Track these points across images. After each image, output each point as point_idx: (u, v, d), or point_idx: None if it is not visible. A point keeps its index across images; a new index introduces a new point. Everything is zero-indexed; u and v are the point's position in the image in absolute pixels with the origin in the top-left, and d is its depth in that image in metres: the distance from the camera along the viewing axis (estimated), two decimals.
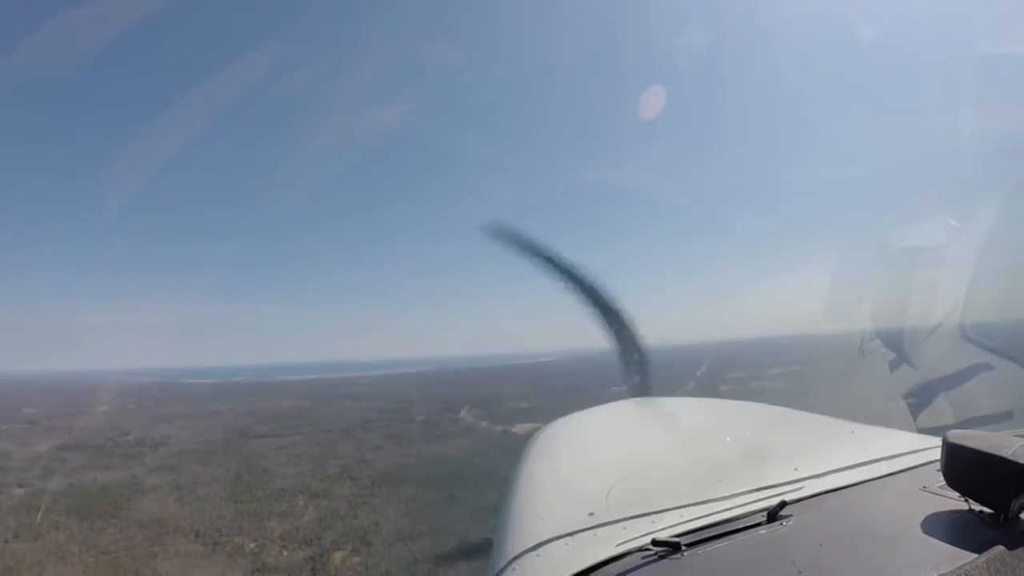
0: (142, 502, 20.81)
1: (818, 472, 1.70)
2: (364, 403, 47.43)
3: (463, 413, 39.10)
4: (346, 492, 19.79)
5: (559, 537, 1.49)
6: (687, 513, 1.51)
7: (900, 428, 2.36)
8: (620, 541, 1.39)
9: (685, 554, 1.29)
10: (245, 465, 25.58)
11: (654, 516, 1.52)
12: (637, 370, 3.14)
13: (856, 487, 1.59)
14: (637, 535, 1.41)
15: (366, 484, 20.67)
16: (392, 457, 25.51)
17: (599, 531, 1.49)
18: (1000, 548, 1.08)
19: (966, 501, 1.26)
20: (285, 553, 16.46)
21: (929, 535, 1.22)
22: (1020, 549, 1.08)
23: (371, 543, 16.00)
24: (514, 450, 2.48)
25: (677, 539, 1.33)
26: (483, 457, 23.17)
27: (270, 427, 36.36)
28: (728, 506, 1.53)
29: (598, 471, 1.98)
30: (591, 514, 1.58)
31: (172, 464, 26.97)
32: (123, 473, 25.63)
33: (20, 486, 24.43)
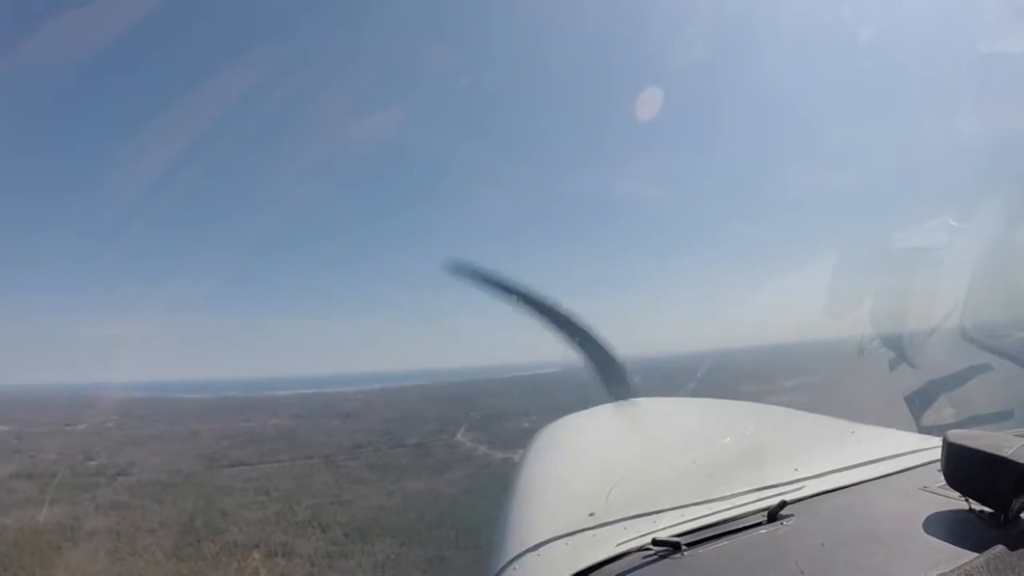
0: (70, 554, 17.38)
1: (818, 472, 1.67)
2: (354, 423, 44.03)
3: (459, 435, 35.72)
4: (311, 548, 16.15)
5: (559, 537, 1.50)
6: (687, 513, 1.50)
7: (900, 428, 2.27)
8: (620, 541, 1.39)
9: (685, 554, 1.28)
10: (204, 504, 22.10)
11: (654, 516, 1.51)
12: (614, 377, 2.73)
13: (856, 487, 1.57)
14: (637, 535, 1.41)
15: (338, 536, 17.05)
16: (374, 496, 21.97)
17: (599, 531, 1.49)
18: (1000, 548, 1.06)
19: (966, 501, 1.23)
20: None
21: (929, 535, 1.19)
22: (1021, 549, 1.06)
23: None
24: None
25: (677, 539, 1.32)
26: (481, 496, 19.68)
27: (246, 453, 32.93)
28: (728, 506, 1.52)
29: (598, 471, 1.97)
30: (591, 514, 1.58)
31: (124, 500, 23.51)
32: (66, 511, 22.26)
33: None
